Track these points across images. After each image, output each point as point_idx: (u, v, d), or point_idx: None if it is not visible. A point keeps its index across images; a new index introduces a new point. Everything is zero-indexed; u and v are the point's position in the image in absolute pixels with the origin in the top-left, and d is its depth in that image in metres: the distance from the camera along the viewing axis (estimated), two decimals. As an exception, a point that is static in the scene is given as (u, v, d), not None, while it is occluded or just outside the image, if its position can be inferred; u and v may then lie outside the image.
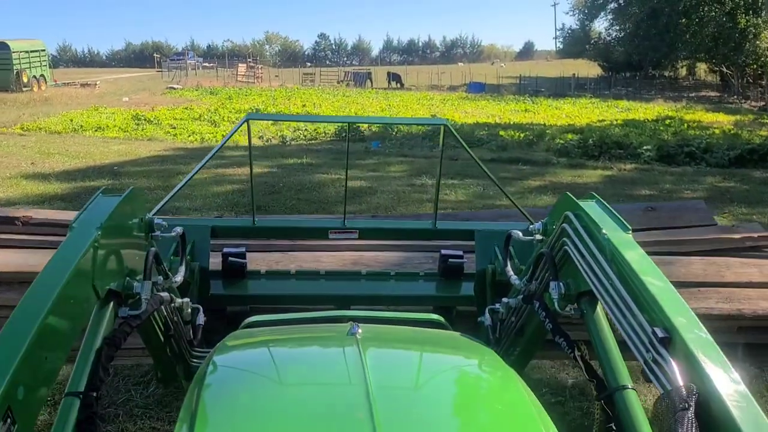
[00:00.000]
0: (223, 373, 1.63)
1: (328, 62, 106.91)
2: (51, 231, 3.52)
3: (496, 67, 73.23)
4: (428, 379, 1.55)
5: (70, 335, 1.52)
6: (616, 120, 22.21)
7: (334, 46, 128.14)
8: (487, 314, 2.57)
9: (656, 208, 4.38)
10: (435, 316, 2.32)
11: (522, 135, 16.65)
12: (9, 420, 1.10)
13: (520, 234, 2.45)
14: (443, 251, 3.17)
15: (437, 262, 3.24)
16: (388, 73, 48.07)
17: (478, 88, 41.63)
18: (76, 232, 1.73)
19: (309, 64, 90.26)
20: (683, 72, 53.00)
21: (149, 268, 1.98)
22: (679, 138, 15.53)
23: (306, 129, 17.91)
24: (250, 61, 60.04)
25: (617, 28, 48.01)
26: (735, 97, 37.59)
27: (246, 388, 1.50)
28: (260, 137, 16.52)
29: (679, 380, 1.26)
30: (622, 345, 1.66)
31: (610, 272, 1.68)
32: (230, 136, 3.59)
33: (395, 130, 17.57)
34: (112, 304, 1.78)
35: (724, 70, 42.63)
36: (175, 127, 18.16)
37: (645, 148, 13.81)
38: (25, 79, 32.48)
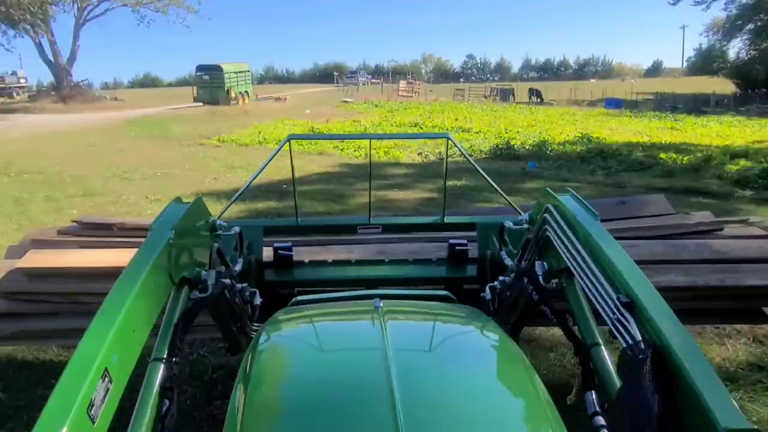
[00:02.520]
0: (271, 341, 1.60)
1: (473, 78, 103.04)
2: (140, 234, 3.26)
3: (627, 83, 66.13)
4: (438, 343, 1.51)
5: (153, 313, 1.54)
6: (778, 141, 17.53)
7: (479, 65, 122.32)
8: (487, 291, 2.49)
9: (626, 201, 4.30)
10: (445, 293, 2.16)
11: (686, 159, 13.02)
12: (107, 379, 1.17)
13: (512, 224, 2.52)
14: (451, 241, 3.09)
15: (446, 250, 3.11)
16: (530, 89, 43.94)
17: (615, 104, 36.97)
18: (154, 233, 1.75)
19: (462, 80, 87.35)
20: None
21: (213, 260, 2.07)
22: None
23: (463, 145, 15.47)
24: (409, 78, 58.47)
25: (756, 47, 40.68)
26: None
27: (289, 353, 1.54)
28: (419, 153, 14.31)
29: (638, 336, 1.29)
30: (594, 312, 1.67)
31: (583, 252, 1.69)
32: (274, 156, 3.17)
33: (550, 148, 14.64)
34: (185, 288, 1.80)
35: None
36: (342, 141, 16.45)
37: None
38: (232, 95, 32.96)
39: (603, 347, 1.58)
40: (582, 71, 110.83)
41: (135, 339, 1.37)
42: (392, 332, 1.37)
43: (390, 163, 12.89)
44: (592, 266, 1.60)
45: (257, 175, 3.15)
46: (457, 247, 3.02)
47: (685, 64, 74.80)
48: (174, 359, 1.51)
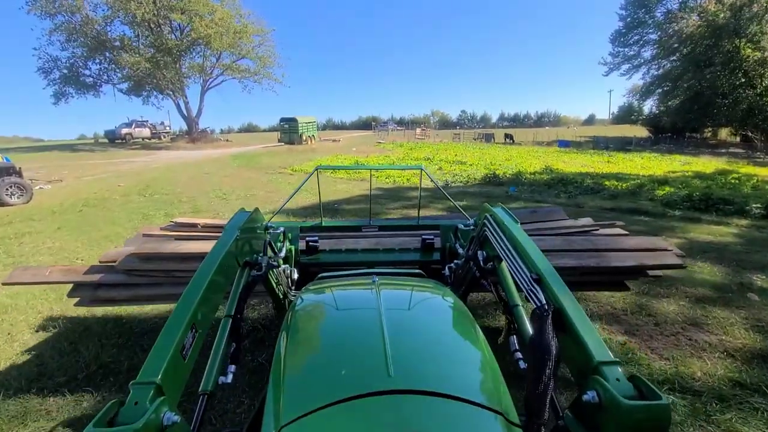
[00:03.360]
0: (305, 303, 1.54)
1: (465, 126, 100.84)
2: (216, 231, 3.31)
3: (571, 129, 63.73)
4: (414, 304, 1.48)
5: (225, 285, 1.51)
6: (686, 172, 16.01)
7: (469, 117, 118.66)
8: (446, 269, 2.45)
9: (536, 211, 3.95)
10: (419, 271, 2.15)
11: (624, 185, 11.82)
12: (194, 329, 1.18)
13: (462, 226, 2.49)
14: (423, 236, 3.00)
15: (420, 242, 3.01)
16: (505, 134, 42.42)
17: (565, 144, 35.30)
18: (227, 231, 1.72)
19: (457, 127, 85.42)
20: (708, 133, 41.44)
21: (266, 249, 2.01)
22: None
23: (461, 174, 14.48)
24: (422, 126, 57.40)
25: (664, 105, 38.46)
26: (759, 153, 28.23)
27: (316, 311, 1.49)
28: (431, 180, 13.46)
29: (543, 300, 1.27)
30: (515, 284, 1.61)
31: (508, 244, 1.66)
32: (304, 183, 2.98)
33: (524, 177, 13.57)
34: (246, 268, 1.76)
35: (749, 133, 32.67)
36: (378, 171, 15.64)
37: (755, 205, 8.58)
38: (304, 138, 32.46)
39: (521, 307, 1.59)
40: (540, 120, 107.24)
41: (213, 303, 1.36)
42: (384, 297, 1.39)
43: (412, 188, 12.05)
44: (514, 254, 1.59)
45: (293, 195, 2.98)
46: (427, 241, 2.99)
47: (610, 116, 71.84)
48: (239, 316, 1.51)
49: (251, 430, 1.19)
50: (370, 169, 3.20)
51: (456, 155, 22.68)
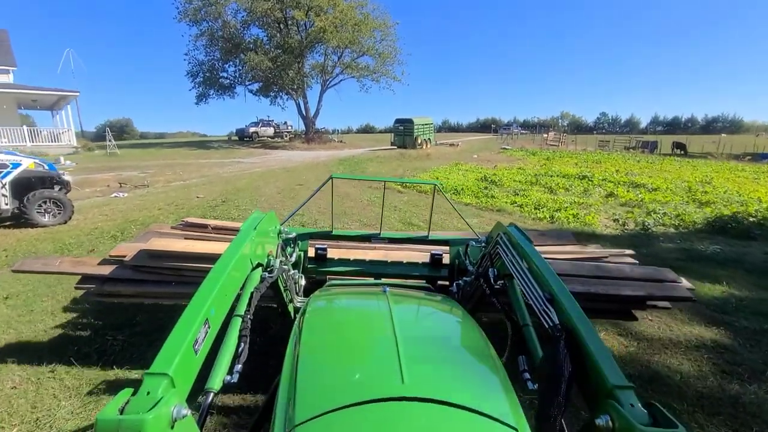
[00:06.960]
0: (314, 310, 1.56)
1: (604, 130, 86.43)
2: (225, 233, 3.41)
3: (762, 138, 48.35)
4: (426, 316, 1.55)
5: (237, 284, 1.52)
6: None
7: (610, 120, 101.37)
8: (454, 286, 2.42)
9: (545, 233, 4.09)
10: (426, 285, 2.24)
11: None
12: (207, 325, 1.18)
13: (474, 243, 2.52)
14: (432, 251, 3.02)
15: (429, 257, 3.01)
16: (673, 142, 32.88)
17: (764, 157, 25.59)
18: (242, 232, 1.74)
19: (595, 132, 73.11)
20: None
21: (278, 252, 2.06)
22: None
23: (657, 209, 9.16)
24: (554, 130, 49.49)
25: None
26: None
27: (329, 316, 1.54)
28: (615, 220, 8.49)
29: (557, 320, 1.28)
30: (526, 304, 1.60)
31: (521, 262, 1.67)
32: (316, 192, 2.82)
33: (793, 226, 7.72)
34: (259, 269, 1.77)
35: None
36: (517, 193, 11.15)
37: None
38: (419, 141, 29.23)
39: (531, 327, 1.57)
40: (709, 126, 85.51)
41: (226, 300, 1.38)
42: (395, 307, 1.42)
43: (584, 234, 7.40)
44: (527, 273, 1.59)
45: (303, 205, 2.93)
46: (435, 256, 2.99)
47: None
48: (248, 316, 1.51)
49: None
50: (385, 181, 3.21)
51: (617, 171, 16.63)
